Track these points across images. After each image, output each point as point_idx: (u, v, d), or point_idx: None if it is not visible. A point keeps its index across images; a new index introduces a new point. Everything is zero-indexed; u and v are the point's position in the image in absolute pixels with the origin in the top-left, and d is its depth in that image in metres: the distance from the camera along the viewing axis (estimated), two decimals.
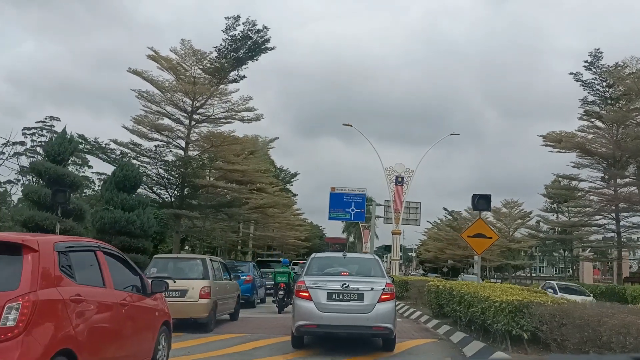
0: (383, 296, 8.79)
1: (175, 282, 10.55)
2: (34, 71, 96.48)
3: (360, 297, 8.75)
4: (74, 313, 4.74)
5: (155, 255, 12.95)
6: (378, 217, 45.91)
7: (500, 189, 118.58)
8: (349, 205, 36.89)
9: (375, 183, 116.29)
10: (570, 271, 67.99)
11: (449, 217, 72.36)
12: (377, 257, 10.54)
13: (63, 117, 78.01)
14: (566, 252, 51.94)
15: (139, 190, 26.03)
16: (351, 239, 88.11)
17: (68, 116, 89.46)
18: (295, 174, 65.87)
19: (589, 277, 46.68)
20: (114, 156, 25.53)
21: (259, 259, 38.57)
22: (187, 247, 41.29)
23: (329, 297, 8.74)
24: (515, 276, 59.50)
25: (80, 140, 26.48)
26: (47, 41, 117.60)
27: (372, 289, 8.82)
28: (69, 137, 17.11)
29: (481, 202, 12.64)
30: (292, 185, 65.28)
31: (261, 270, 22.00)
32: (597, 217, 34.00)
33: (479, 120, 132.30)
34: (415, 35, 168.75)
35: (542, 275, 74.02)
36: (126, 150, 25.08)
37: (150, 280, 6.81)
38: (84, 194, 37.88)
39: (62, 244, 5.12)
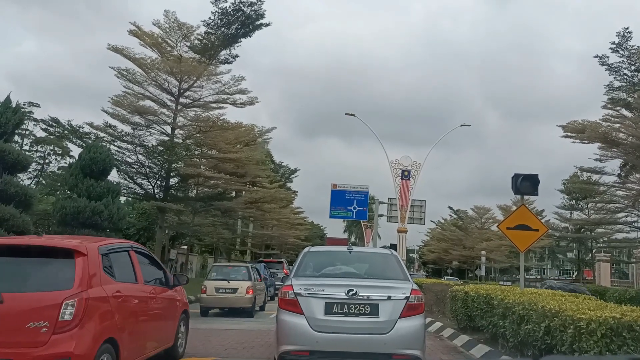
0: (407, 309, 6.10)
1: (229, 282, 14.82)
2: (35, 70, 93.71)
3: (374, 309, 6.07)
4: (115, 307, 5.45)
5: (214, 264, 16.97)
6: (381, 215, 43.43)
7: (502, 191, 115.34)
8: (351, 203, 34.62)
9: (377, 184, 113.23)
10: (577, 273, 65.11)
11: (454, 216, 69.72)
12: (395, 253, 7.64)
13: (63, 116, 75.16)
14: (581, 253, 49.00)
15: (119, 180, 23.36)
16: (353, 239, 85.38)
17: (69, 116, 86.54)
18: (295, 170, 63.35)
19: (606, 279, 43.74)
20: (90, 142, 22.71)
21: (260, 259, 36.23)
22: (183, 247, 38.41)
23: (329, 309, 6.04)
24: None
25: (52, 124, 23.79)
26: (48, 40, 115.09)
27: (391, 297, 6.15)
28: (14, 106, 14.29)
29: (525, 184, 9.77)
30: (292, 182, 62.77)
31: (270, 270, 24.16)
32: (622, 214, 31.14)
33: (481, 122, 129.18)
34: (417, 37, 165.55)
35: (545, 277, 70.98)
36: (102, 134, 22.29)
37: (172, 275, 7.60)
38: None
39: (104, 247, 5.77)
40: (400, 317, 6.05)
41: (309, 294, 6.11)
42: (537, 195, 9.86)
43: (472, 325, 10.55)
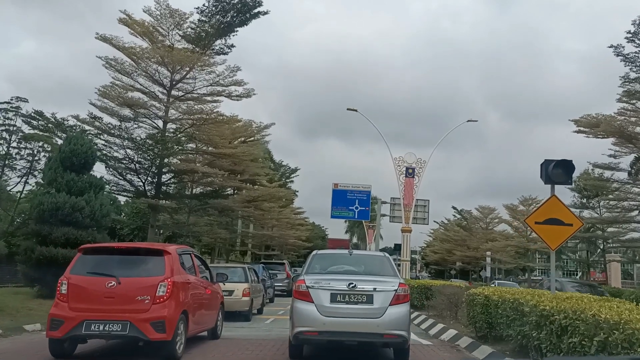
0: (396, 298, 7.61)
1: (225, 284, 13.51)
2: (34, 71, 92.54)
3: (370, 299, 7.58)
4: (186, 290, 7.92)
5: (209, 265, 16.39)
6: (384, 215, 42.08)
7: (503, 192, 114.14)
8: (353, 203, 33.33)
9: (379, 185, 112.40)
10: (581, 274, 63.44)
11: (458, 216, 68.28)
12: (387, 255, 9.34)
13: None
14: (589, 253, 47.48)
15: (107, 176, 22.08)
16: (354, 239, 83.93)
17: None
18: (295, 170, 62.01)
19: (617, 280, 42.28)
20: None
21: (262, 261, 34.87)
22: None
23: (333, 298, 7.56)
24: (528, 280, 55.01)
25: (36, 117, 22.49)
26: (47, 41, 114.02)
27: (382, 289, 7.66)
28: None
29: (557, 171, 8.44)
30: (292, 182, 61.42)
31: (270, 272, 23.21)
32: (636, 212, 29.72)
33: (482, 122, 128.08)
34: (418, 36, 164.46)
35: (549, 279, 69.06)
36: (88, 127, 20.95)
37: (215, 273, 10.72)
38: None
39: (179, 249, 8.50)
40: (390, 305, 7.50)
41: (318, 286, 7.57)
42: (571, 184, 8.54)
43: (494, 335, 9.24)
